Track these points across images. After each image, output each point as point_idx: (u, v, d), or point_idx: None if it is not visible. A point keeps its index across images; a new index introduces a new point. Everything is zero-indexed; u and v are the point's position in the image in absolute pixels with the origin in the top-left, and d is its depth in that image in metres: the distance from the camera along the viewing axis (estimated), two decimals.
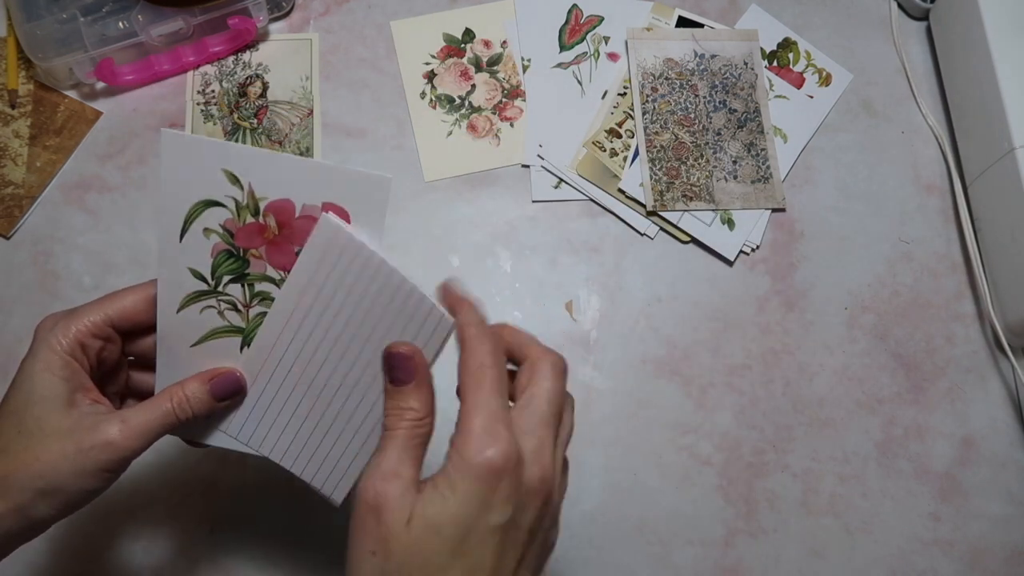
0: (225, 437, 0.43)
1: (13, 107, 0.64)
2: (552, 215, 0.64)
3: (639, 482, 0.58)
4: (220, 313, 0.41)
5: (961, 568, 0.57)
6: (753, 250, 0.64)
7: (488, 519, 0.31)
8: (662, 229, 0.64)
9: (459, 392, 0.34)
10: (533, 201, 0.64)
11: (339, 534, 0.55)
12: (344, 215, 0.38)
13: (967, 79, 0.65)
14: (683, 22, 0.69)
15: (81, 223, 0.62)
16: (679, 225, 0.63)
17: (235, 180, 0.38)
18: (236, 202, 0.39)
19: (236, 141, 0.64)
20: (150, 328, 0.41)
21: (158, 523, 0.55)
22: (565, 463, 0.36)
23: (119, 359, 0.41)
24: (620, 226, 0.64)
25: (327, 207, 0.38)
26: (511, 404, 0.35)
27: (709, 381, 0.60)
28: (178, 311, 0.40)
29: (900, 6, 0.72)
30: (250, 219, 0.39)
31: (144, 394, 0.43)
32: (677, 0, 0.70)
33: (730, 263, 0.63)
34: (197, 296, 0.40)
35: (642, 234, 0.64)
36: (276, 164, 0.38)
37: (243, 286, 0.40)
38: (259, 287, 0.40)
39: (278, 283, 0.40)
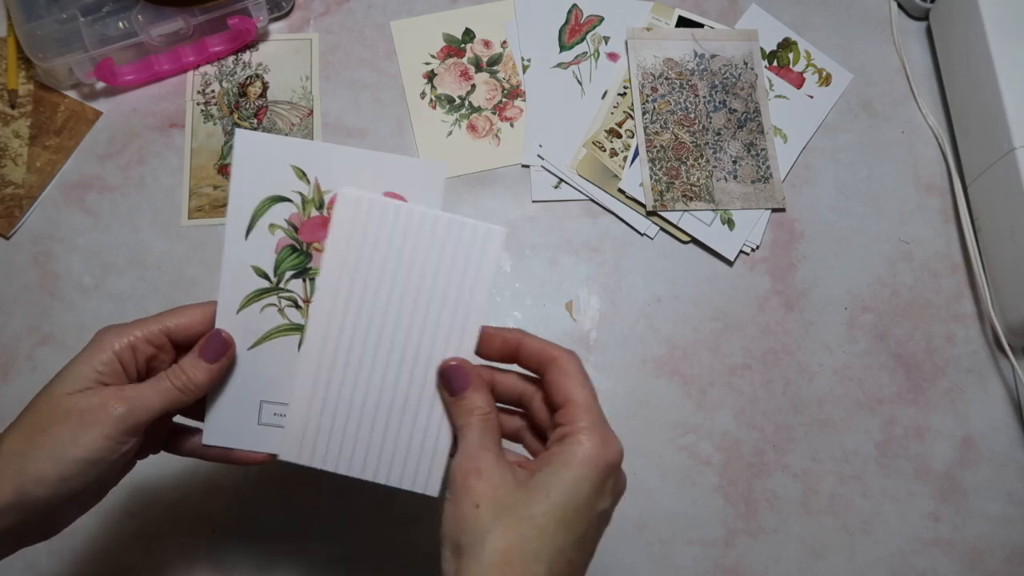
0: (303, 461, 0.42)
1: (13, 107, 0.64)
2: (552, 215, 0.64)
3: (639, 482, 0.58)
4: (281, 311, 0.41)
5: (961, 568, 0.57)
6: (753, 250, 0.64)
7: (598, 504, 0.36)
8: (662, 229, 0.64)
9: (552, 391, 0.38)
10: (533, 201, 0.64)
11: (339, 536, 0.55)
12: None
13: (967, 79, 0.65)
14: (683, 22, 0.69)
15: (81, 223, 0.62)
16: (679, 225, 0.63)
17: (302, 175, 0.40)
18: (302, 196, 0.41)
19: None
20: None
21: (160, 524, 0.55)
22: None
23: None
24: (620, 226, 0.64)
25: (387, 196, 0.40)
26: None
27: (709, 381, 0.60)
28: (238, 311, 0.41)
29: (900, 6, 0.72)
30: (315, 213, 0.41)
31: (191, 413, 0.43)
32: (677, 0, 0.70)
33: (730, 263, 0.63)
34: (259, 294, 0.41)
35: (642, 234, 0.64)
36: (341, 157, 0.40)
37: (304, 281, 0.41)
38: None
39: None
